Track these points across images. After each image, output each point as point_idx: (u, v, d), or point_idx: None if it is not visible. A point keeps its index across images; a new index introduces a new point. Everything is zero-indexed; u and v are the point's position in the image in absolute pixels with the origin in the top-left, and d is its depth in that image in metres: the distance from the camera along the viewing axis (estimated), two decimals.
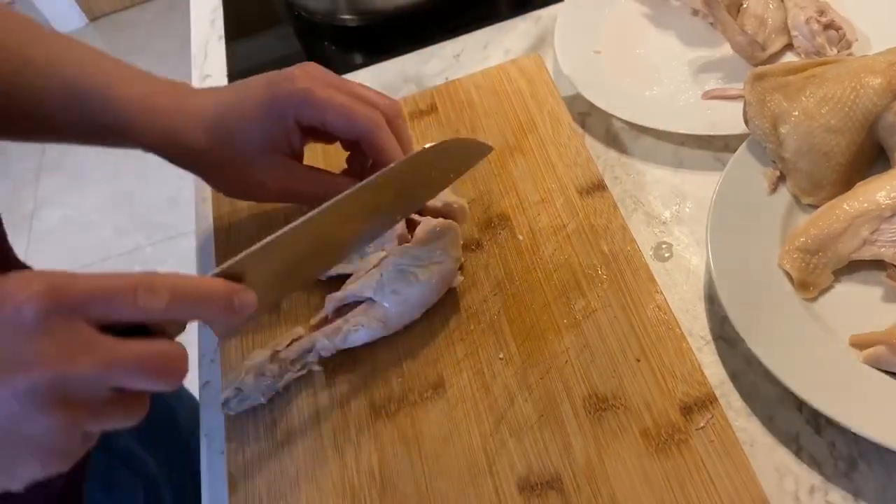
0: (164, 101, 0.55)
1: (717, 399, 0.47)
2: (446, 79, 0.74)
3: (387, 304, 0.52)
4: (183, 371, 0.38)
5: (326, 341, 0.52)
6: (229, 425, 0.53)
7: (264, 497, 0.49)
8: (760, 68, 0.60)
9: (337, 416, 0.52)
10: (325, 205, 0.45)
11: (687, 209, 0.61)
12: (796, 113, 0.57)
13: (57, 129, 0.59)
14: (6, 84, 0.56)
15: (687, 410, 0.47)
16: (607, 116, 0.67)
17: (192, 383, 0.53)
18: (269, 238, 0.43)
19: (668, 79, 0.69)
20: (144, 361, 0.36)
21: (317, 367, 0.53)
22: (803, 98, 0.57)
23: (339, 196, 0.46)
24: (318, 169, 0.57)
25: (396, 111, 0.54)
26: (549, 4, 0.79)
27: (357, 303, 0.53)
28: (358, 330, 0.52)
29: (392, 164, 0.49)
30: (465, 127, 0.65)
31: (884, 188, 0.52)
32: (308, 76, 0.52)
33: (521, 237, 0.57)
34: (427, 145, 0.50)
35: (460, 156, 0.52)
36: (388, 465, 0.49)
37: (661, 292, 0.52)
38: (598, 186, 0.58)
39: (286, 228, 0.43)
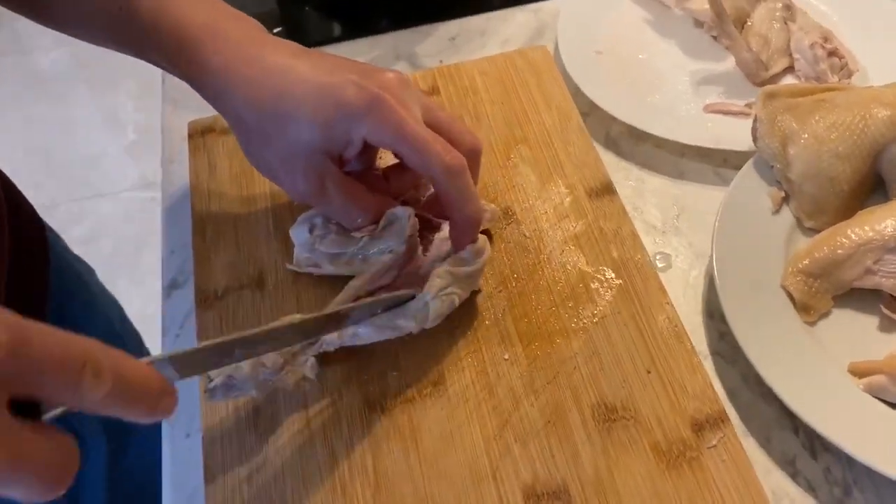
0: (230, 39, 0.48)
1: (728, 417, 0.46)
2: (441, 61, 0.71)
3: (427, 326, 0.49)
4: (66, 485, 0.30)
5: (335, 336, 0.47)
6: (205, 411, 0.49)
7: (245, 489, 0.45)
8: (771, 87, 0.60)
9: (327, 408, 0.48)
10: (263, 327, 0.42)
11: (685, 221, 0.60)
12: (806, 136, 0.57)
13: (98, 37, 0.54)
14: None
15: (698, 427, 0.46)
16: (607, 119, 0.66)
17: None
18: (220, 339, 0.39)
19: (670, 87, 0.69)
20: (37, 471, 0.29)
21: (313, 369, 0.48)
22: (813, 121, 0.57)
23: (280, 323, 0.43)
24: (354, 182, 0.50)
25: (477, 153, 0.50)
26: None
27: (370, 292, 0.49)
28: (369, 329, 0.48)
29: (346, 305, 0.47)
30: (469, 113, 0.62)
31: (890, 218, 0.53)
32: (399, 98, 0.47)
33: (526, 234, 0.55)
34: (375, 297, 0.48)
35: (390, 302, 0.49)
36: (382, 464, 0.46)
37: (672, 304, 0.51)
38: (608, 190, 0.57)
39: (232, 336, 0.40)
